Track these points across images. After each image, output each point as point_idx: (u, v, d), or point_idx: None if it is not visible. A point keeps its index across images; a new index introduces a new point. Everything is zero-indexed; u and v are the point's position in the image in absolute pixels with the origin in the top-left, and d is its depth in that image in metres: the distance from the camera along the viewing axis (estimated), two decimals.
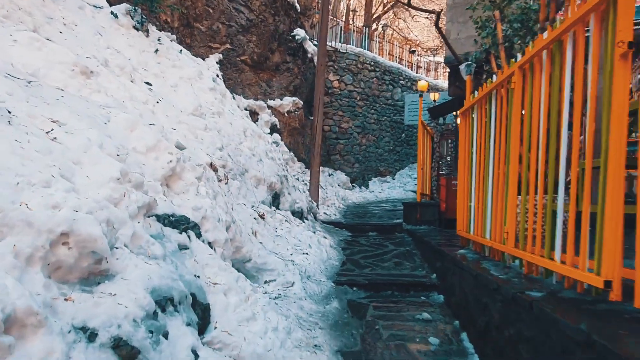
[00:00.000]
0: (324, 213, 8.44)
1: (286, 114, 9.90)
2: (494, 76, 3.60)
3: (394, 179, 15.71)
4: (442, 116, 8.62)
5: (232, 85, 8.19)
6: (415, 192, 14.12)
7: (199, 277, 2.90)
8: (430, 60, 20.90)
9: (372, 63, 14.89)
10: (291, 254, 4.73)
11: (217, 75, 7.74)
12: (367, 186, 14.45)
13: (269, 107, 9.34)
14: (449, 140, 10.86)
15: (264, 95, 9.35)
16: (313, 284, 4.27)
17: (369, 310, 3.97)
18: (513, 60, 3.22)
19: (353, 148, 14.34)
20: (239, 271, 4.29)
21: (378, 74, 15.12)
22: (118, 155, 3.02)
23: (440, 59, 22.19)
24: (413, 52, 18.41)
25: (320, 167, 12.89)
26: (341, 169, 13.89)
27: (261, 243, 4.57)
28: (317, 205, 8.03)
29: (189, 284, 2.67)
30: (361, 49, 14.77)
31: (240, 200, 5.00)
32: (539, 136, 2.66)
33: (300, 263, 4.57)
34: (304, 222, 6.04)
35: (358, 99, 14.40)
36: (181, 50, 6.13)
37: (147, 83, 5.20)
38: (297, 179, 8.65)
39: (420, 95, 7.72)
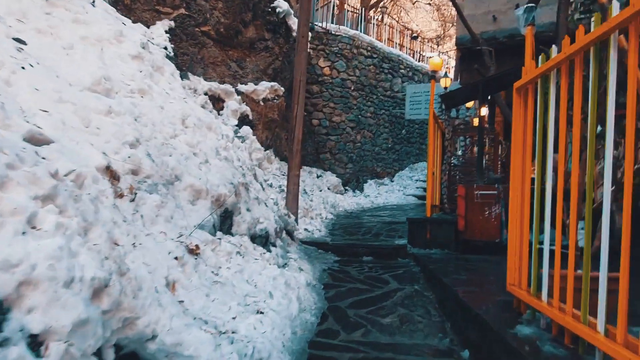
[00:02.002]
0: (305, 229, 6.59)
1: (262, 102, 8.00)
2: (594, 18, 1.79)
3: (392, 182, 13.88)
4: (458, 105, 6.82)
5: (187, 62, 6.33)
6: (417, 197, 12.27)
7: None
8: (432, 55, 18.98)
9: (369, 48, 13.00)
10: (234, 317, 2.90)
11: (165, 47, 5.89)
12: (361, 190, 12.60)
13: (239, 92, 7.45)
14: (462, 138, 9.07)
15: (234, 78, 7.46)
16: None
17: None
18: None
19: (346, 145, 12.44)
20: (134, 357, 2.50)
21: (376, 61, 13.23)
22: None
23: (442, 54, 20.32)
24: (415, 38, 16.45)
25: (308, 168, 11.00)
26: (332, 169, 12.00)
27: (181, 302, 2.74)
28: (297, 219, 6.20)
29: None
30: (356, 32, 12.84)
31: (159, 227, 3.17)
32: None
33: (246, 336, 2.74)
34: (269, 250, 4.22)
35: (352, 89, 12.51)
36: (94, 2, 4.25)
37: (19, 40, 3.36)
38: (270, 186, 6.79)
39: (433, 77, 5.82)
